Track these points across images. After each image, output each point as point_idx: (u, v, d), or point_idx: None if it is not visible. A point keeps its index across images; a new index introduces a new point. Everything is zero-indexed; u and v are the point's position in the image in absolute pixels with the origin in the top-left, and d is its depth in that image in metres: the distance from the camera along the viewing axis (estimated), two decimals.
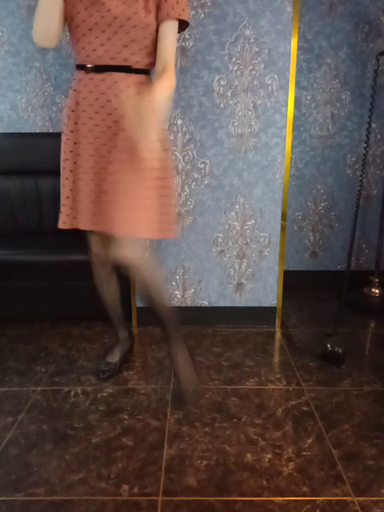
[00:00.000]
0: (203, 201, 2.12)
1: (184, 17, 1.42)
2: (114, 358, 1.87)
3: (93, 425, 1.52)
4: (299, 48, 2.42)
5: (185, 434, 1.47)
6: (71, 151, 1.51)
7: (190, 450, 1.39)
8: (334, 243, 2.75)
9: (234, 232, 2.16)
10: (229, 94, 2.00)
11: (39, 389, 1.73)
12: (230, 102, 2.01)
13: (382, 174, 2.63)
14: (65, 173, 1.54)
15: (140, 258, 1.52)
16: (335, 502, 1.20)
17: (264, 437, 1.46)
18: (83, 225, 1.55)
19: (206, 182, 2.10)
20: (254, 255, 2.19)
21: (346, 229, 2.68)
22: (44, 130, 2.53)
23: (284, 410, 1.59)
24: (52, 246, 2.29)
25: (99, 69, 1.43)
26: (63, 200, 1.56)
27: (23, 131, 2.52)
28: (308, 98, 2.54)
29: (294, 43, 1.93)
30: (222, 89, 1.99)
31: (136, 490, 1.25)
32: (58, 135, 2.46)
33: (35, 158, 2.40)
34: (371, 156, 2.60)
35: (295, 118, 2.51)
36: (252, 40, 1.94)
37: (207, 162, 2.07)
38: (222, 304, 2.26)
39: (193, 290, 2.24)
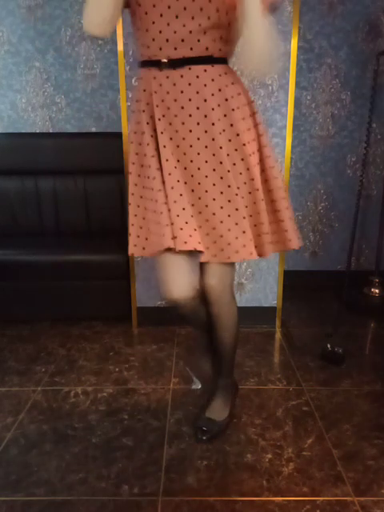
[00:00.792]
0: None
1: None
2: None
3: (93, 425, 1.52)
4: (299, 48, 2.41)
5: (185, 434, 1.47)
6: (158, 168, 1.25)
7: (190, 450, 1.39)
8: (333, 243, 2.75)
9: None
10: None
11: (39, 389, 1.73)
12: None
13: (382, 174, 2.63)
14: (154, 186, 1.26)
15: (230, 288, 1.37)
16: (335, 502, 1.20)
17: (264, 437, 1.46)
18: (192, 245, 1.24)
19: None
20: None
21: (346, 229, 2.67)
22: (44, 130, 2.53)
23: (284, 410, 1.59)
24: (52, 246, 2.29)
25: (176, 63, 1.20)
26: (163, 220, 1.24)
27: (23, 131, 2.52)
28: (308, 98, 2.54)
29: (294, 43, 1.92)
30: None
31: (136, 490, 1.25)
32: (57, 135, 2.48)
33: (35, 158, 2.40)
34: (371, 156, 2.60)
35: (295, 117, 2.50)
36: None
37: None
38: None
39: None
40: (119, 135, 2.07)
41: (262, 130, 1.31)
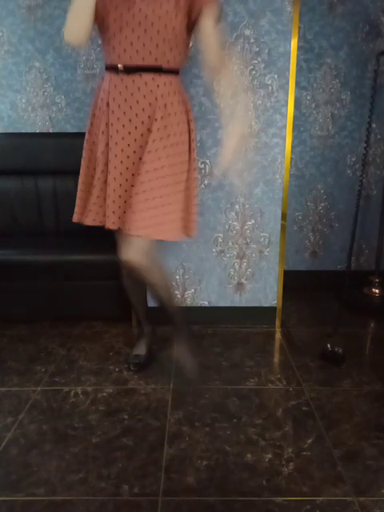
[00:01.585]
0: (203, 201, 2.12)
1: (216, 9, 1.46)
2: (142, 350, 1.91)
3: (93, 425, 1.52)
4: (299, 48, 2.42)
5: (185, 433, 1.47)
6: (102, 152, 1.54)
7: (190, 450, 1.40)
8: (333, 243, 2.75)
9: (234, 232, 2.16)
10: (229, 94, 1.99)
11: (39, 389, 1.73)
12: (230, 102, 2.00)
13: (382, 174, 2.63)
14: (96, 172, 1.57)
15: (150, 260, 1.58)
16: (335, 502, 1.20)
17: (264, 437, 1.46)
18: (111, 223, 1.57)
19: (205, 182, 2.10)
20: (254, 255, 2.19)
21: (346, 229, 2.67)
22: (44, 130, 2.53)
23: (284, 410, 1.59)
24: (52, 246, 2.29)
25: (130, 70, 1.45)
26: (93, 199, 1.59)
27: (23, 131, 2.52)
28: (308, 98, 2.54)
29: (293, 43, 1.92)
30: (222, 89, 1.99)
31: (136, 490, 1.25)
32: (57, 135, 2.48)
33: (35, 157, 2.40)
34: (371, 156, 2.60)
35: (295, 117, 2.50)
36: (252, 40, 1.94)
37: (207, 162, 2.07)
38: (222, 304, 2.26)
39: (193, 290, 2.24)
40: None
41: (192, 136, 1.58)
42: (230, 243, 2.18)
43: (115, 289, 2.21)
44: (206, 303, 2.25)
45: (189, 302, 2.25)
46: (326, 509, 1.18)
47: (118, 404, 1.63)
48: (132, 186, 1.51)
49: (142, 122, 1.48)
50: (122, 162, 1.51)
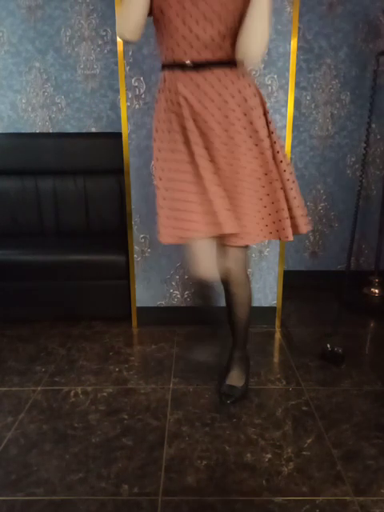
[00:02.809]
0: None
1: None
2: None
3: (93, 425, 1.52)
4: (299, 48, 2.42)
5: (185, 433, 1.47)
6: (188, 162, 1.38)
7: (190, 450, 1.40)
8: (333, 243, 2.75)
9: None
10: None
11: (39, 389, 1.73)
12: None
13: (382, 174, 2.63)
14: (186, 178, 1.38)
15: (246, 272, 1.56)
16: (335, 502, 1.20)
17: (264, 437, 1.46)
18: (230, 227, 1.40)
19: None
20: (253, 255, 2.19)
21: (346, 229, 2.68)
22: (44, 130, 2.53)
23: (284, 410, 1.59)
24: (52, 246, 2.29)
25: (199, 66, 1.33)
26: (189, 209, 1.38)
27: (23, 131, 2.53)
28: (308, 98, 2.54)
29: (293, 43, 1.93)
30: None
31: (136, 490, 1.25)
32: (57, 135, 2.48)
33: (35, 157, 2.40)
34: (371, 156, 2.60)
35: (295, 118, 2.51)
36: None
37: None
38: (222, 304, 2.26)
39: (193, 290, 2.24)
40: (119, 135, 2.07)
41: (272, 127, 1.46)
42: None
43: (115, 289, 2.22)
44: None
45: (189, 302, 2.25)
46: (326, 508, 1.18)
47: (117, 404, 1.63)
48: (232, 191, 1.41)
49: (219, 123, 1.36)
50: (219, 168, 1.39)
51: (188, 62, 1.33)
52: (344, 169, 2.64)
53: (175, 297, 2.24)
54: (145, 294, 2.23)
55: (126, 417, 1.56)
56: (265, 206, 1.47)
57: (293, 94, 1.99)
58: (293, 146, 2.54)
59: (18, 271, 2.16)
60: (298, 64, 2.42)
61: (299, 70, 2.47)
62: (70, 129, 2.52)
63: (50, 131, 2.53)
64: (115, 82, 2.43)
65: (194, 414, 1.57)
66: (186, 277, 2.22)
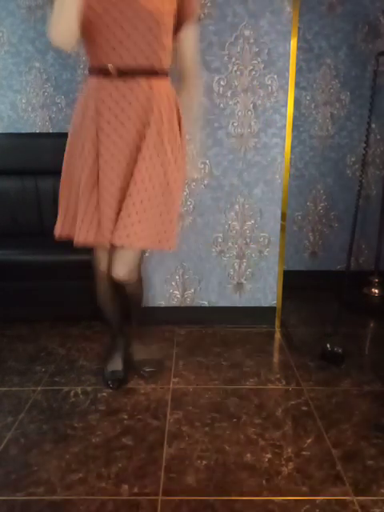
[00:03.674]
0: (203, 201, 2.12)
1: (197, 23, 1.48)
2: (118, 365, 1.79)
3: (93, 425, 1.52)
4: (299, 48, 2.41)
5: (184, 433, 1.47)
6: (94, 161, 1.40)
7: (190, 450, 1.40)
8: (333, 243, 2.75)
9: (234, 232, 2.16)
10: (228, 94, 2.00)
11: (39, 389, 1.73)
12: (230, 103, 2.01)
13: (382, 174, 2.63)
14: (87, 184, 1.41)
15: (138, 272, 1.64)
16: (334, 502, 1.20)
17: (264, 437, 1.46)
18: (103, 237, 1.42)
19: (205, 182, 2.10)
20: (253, 255, 2.19)
21: (346, 229, 2.68)
22: (44, 130, 2.53)
23: (283, 410, 1.59)
24: (52, 246, 2.27)
25: (121, 72, 1.35)
26: (82, 212, 1.42)
27: (23, 131, 2.52)
28: (308, 98, 2.54)
29: (293, 43, 1.93)
30: (221, 89, 1.99)
31: (136, 490, 1.25)
32: (57, 135, 2.47)
33: (35, 157, 2.40)
34: (371, 156, 2.60)
35: (295, 118, 2.50)
36: (252, 40, 1.94)
37: (207, 162, 2.07)
38: (221, 304, 2.26)
39: (192, 290, 2.24)
40: None
41: (183, 142, 1.52)
42: (230, 243, 2.18)
43: None
44: (205, 303, 2.25)
45: (189, 302, 2.25)
46: (326, 508, 1.18)
47: (117, 404, 1.63)
48: (122, 196, 1.42)
49: (134, 127, 1.38)
50: (112, 168, 1.39)
51: (110, 66, 1.36)
52: (344, 169, 2.64)
53: (175, 297, 2.25)
54: (145, 294, 2.23)
55: (125, 417, 1.56)
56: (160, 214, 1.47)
57: (293, 93, 1.99)
58: (293, 146, 2.54)
59: (18, 271, 2.16)
60: (297, 64, 2.41)
61: (299, 70, 2.47)
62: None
63: (50, 131, 2.53)
64: None
65: (193, 414, 1.57)
66: (186, 277, 2.22)
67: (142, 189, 1.38)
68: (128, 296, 1.71)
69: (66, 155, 1.50)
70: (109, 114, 1.37)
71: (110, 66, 1.34)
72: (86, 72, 1.46)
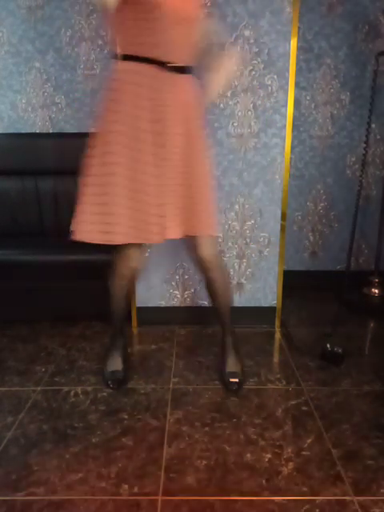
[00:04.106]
0: None
1: None
2: (118, 365, 1.79)
3: (93, 425, 1.52)
4: (299, 48, 2.42)
5: (184, 433, 1.47)
6: (153, 154, 1.41)
7: (190, 450, 1.40)
8: (333, 243, 2.75)
9: (234, 232, 2.16)
10: (228, 94, 2.00)
11: (39, 389, 1.73)
12: (230, 103, 2.01)
13: (382, 174, 2.63)
14: (144, 179, 1.42)
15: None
16: (334, 502, 1.20)
17: (263, 436, 1.46)
18: (175, 233, 1.52)
19: None
20: (253, 255, 2.19)
21: (346, 229, 2.68)
22: (44, 131, 2.53)
23: (283, 410, 1.59)
24: (52, 246, 2.29)
25: (166, 66, 1.38)
26: (147, 211, 1.44)
27: (23, 131, 2.52)
28: (308, 98, 2.54)
29: (293, 43, 1.93)
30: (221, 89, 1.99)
31: (136, 490, 1.25)
32: (57, 135, 2.48)
33: (35, 158, 2.40)
34: (371, 156, 2.60)
35: (295, 118, 2.51)
36: (251, 40, 1.94)
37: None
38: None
39: (193, 290, 2.24)
40: None
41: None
42: (230, 243, 2.18)
43: None
44: (205, 303, 2.25)
45: (189, 302, 2.26)
46: (326, 508, 1.19)
47: (117, 404, 1.63)
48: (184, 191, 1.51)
49: (184, 122, 1.45)
50: (175, 166, 1.46)
51: (165, 60, 1.40)
52: (344, 169, 2.64)
53: (175, 297, 2.25)
54: (145, 294, 2.23)
55: (125, 417, 1.56)
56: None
57: (292, 94, 1.99)
58: (292, 146, 2.54)
59: (18, 271, 2.16)
60: (297, 64, 2.42)
61: (299, 70, 2.47)
62: (69, 129, 2.52)
63: (50, 131, 2.53)
64: None
65: (193, 414, 1.57)
66: (186, 277, 2.22)
67: (206, 181, 1.53)
68: (218, 295, 1.69)
69: (97, 150, 1.45)
70: (164, 105, 1.40)
71: (164, 60, 1.37)
72: (117, 59, 1.42)
